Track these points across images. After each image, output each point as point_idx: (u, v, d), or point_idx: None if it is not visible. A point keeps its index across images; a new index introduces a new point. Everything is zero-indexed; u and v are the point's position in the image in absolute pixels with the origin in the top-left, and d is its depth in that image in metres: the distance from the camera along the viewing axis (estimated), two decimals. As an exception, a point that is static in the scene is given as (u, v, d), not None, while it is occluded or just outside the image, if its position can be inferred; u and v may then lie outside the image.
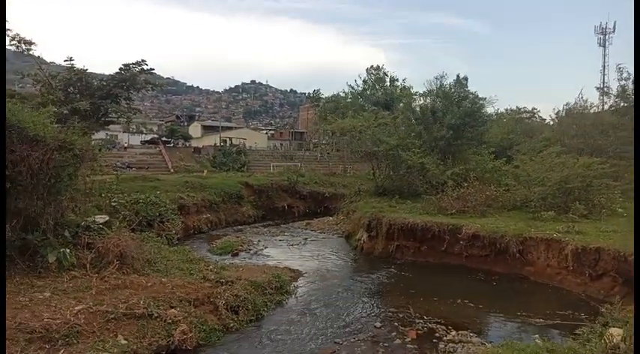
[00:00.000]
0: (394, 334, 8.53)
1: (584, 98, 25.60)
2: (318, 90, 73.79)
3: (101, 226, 10.24)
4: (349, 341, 8.15)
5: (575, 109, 25.54)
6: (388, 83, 45.58)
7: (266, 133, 79.66)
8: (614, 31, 60.81)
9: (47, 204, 8.97)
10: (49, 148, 8.59)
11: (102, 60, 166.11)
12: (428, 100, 23.69)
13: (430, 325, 8.92)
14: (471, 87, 23.72)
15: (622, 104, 24.72)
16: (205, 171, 32.89)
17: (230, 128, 71.47)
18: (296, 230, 21.16)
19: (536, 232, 12.67)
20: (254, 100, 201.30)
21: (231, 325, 8.44)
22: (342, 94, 48.46)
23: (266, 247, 16.64)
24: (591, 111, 25.28)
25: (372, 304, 10.35)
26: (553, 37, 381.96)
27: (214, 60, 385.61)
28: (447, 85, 22.76)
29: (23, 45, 21.43)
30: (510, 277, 12.57)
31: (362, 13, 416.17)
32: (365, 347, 7.95)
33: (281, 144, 67.97)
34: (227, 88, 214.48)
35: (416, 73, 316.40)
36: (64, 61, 22.68)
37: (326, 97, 55.27)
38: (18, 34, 21.16)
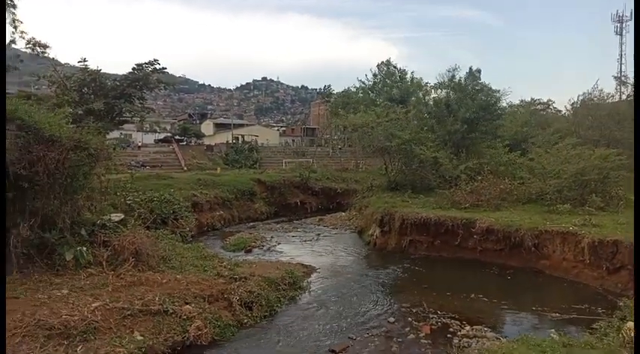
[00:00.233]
0: (408, 329, 8.53)
1: (600, 88, 25.17)
2: (329, 86, 73.87)
3: (117, 224, 10.43)
4: (363, 336, 8.16)
5: (591, 100, 25.06)
6: (398, 77, 45.16)
7: (278, 130, 79.94)
8: (631, 18, 59.47)
9: (64, 203, 9.15)
10: (64, 148, 8.76)
11: (113, 60, 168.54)
12: (442, 93, 23.48)
13: (444, 320, 8.88)
14: (484, 79, 23.39)
15: (640, 93, 24.16)
16: (218, 168, 33.12)
17: (242, 125, 71.64)
18: (308, 226, 21.18)
19: (552, 226, 12.53)
20: (265, 97, 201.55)
21: (245, 320, 8.52)
22: (352, 90, 48.24)
23: (279, 244, 16.71)
24: (608, 101, 24.79)
25: (386, 300, 10.33)
26: (568, 26, 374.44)
27: (225, 58, 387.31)
28: (460, 78, 22.52)
29: (38, 48, 21.79)
30: (525, 271, 12.45)
31: (370, 7, 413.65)
32: (379, 342, 7.96)
33: (293, 140, 68.04)
34: (238, 85, 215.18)
35: (426, 66, 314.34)
36: (78, 62, 22.99)
37: (337, 93, 55.13)
38: (33, 38, 21.54)
